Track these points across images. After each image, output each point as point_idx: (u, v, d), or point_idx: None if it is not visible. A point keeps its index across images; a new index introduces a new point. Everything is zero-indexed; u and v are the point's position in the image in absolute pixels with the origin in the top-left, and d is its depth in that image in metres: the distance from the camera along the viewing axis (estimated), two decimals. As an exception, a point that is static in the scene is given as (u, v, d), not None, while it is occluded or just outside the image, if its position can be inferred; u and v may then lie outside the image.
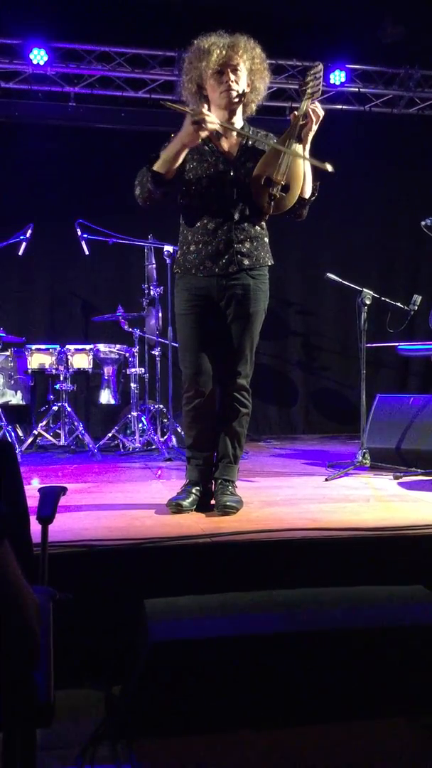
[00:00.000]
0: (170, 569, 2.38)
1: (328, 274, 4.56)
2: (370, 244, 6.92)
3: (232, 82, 2.85)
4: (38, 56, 5.84)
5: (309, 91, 2.83)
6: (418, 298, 4.43)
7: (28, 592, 1.10)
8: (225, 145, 2.95)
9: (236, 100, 2.88)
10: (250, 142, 2.95)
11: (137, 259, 5.54)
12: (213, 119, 2.74)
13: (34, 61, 5.85)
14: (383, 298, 4.42)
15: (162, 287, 5.16)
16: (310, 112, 2.82)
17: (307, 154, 2.88)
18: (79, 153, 6.30)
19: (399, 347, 5.54)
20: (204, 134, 2.74)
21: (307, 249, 6.78)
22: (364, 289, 4.21)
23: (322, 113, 2.83)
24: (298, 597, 2.26)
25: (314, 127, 2.84)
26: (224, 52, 2.83)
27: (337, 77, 6.31)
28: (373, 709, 1.97)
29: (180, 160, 2.81)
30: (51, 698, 1.17)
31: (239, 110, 2.96)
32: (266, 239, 3.04)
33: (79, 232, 5.22)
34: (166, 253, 4.80)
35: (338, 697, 1.98)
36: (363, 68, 6.47)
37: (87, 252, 5.29)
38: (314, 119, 2.82)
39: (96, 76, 6.16)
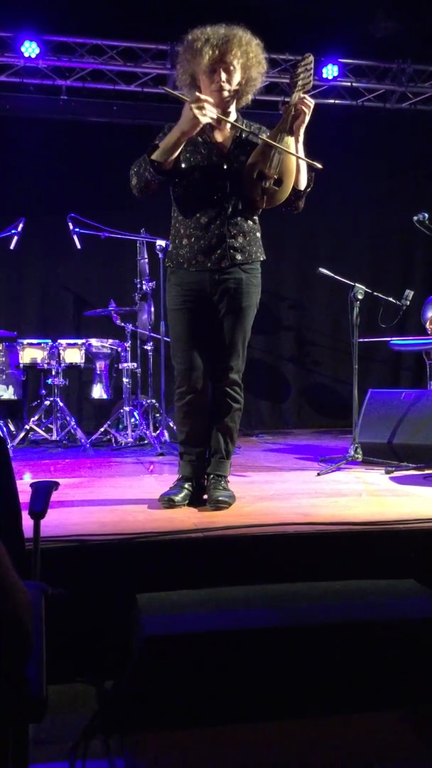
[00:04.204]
0: (163, 564, 2.38)
1: (320, 269, 4.55)
2: (362, 239, 6.93)
3: (223, 82, 2.80)
4: (30, 49, 5.80)
5: (300, 83, 2.80)
6: (410, 293, 4.44)
7: (19, 586, 1.10)
8: (218, 137, 2.91)
9: (227, 99, 2.84)
10: (243, 135, 2.92)
11: (129, 253, 5.52)
12: (211, 108, 2.70)
13: (26, 54, 5.81)
14: (375, 293, 4.42)
15: (154, 282, 5.15)
16: (302, 104, 2.78)
17: (300, 147, 2.86)
18: (70, 147, 6.27)
19: (391, 342, 5.56)
20: (204, 120, 2.69)
21: (299, 244, 6.79)
22: (357, 284, 4.21)
23: (312, 104, 2.80)
24: (290, 591, 2.27)
25: (306, 119, 2.82)
26: (217, 52, 2.76)
27: (330, 71, 6.29)
28: (367, 702, 1.98)
29: (179, 150, 2.78)
30: (43, 693, 1.18)
31: (232, 104, 2.94)
32: (258, 234, 3.02)
33: (71, 227, 5.21)
34: (158, 247, 4.80)
35: (331, 691, 1.99)
36: (355, 62, 6.45)
37: (79, 246, 5.28)
38: (306, 111, 2.79)
39: (88, 69, 6.13)
